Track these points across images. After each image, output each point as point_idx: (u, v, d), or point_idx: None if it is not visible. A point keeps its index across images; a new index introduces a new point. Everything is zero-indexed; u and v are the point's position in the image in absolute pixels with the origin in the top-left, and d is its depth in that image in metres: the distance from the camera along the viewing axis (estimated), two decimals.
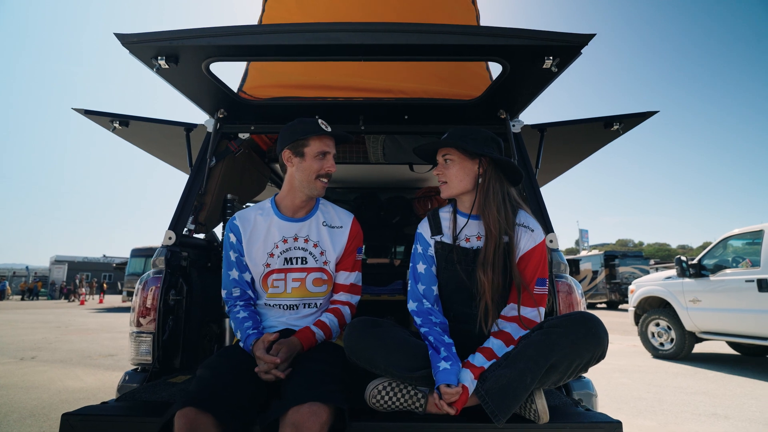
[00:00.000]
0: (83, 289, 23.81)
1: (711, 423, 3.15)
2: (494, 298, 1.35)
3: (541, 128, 2.26)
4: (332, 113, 2.14)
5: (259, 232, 1.53)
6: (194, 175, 2.05)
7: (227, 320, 1.98)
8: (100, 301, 22.33)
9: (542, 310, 1.37)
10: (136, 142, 2.68)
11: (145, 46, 1.50)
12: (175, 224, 1.89)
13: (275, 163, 2.89)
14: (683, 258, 5.72)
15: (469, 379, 1.22)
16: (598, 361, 1.25)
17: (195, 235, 2.12)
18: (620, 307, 17.47)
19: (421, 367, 1.25)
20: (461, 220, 1.46)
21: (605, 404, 3.58)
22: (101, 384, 4.18)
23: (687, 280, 5.57)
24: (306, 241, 1.54)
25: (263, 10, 2.33)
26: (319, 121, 1.49)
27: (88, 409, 1.29)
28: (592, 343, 1.21)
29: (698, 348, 6.09)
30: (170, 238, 1.83)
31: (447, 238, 1.47)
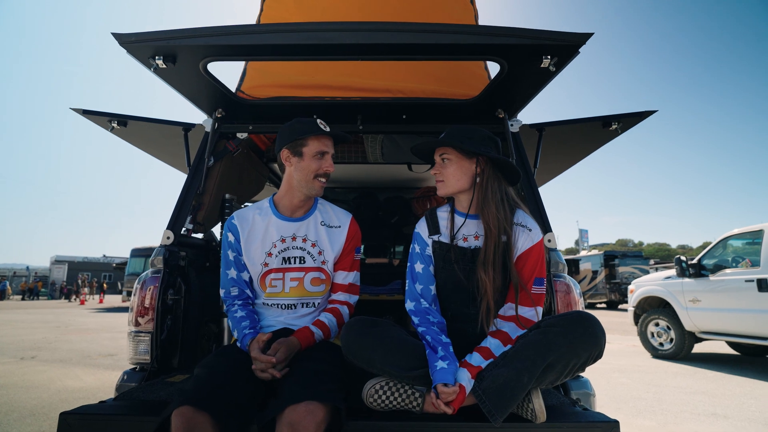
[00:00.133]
0: (85, 289, 23.83)
1: (710, 423, 3.15)
2: (495, 298, 1.35)
3: (540, 128, 2.26)
4: (330, 113, 2.14)
5: (258, 231, 1.54)
6: (192, 175, 2.05)
7: (226, 320, 1.99)
8: (100, 301, 22.34)
9: (540, 309, 1.37)
10: (134, 142, 2.68)
11: (143, 46, 1.50)
12: (174, 224, 1.89)
13: (274, 163, 2.90)
14: (683, 258, 5.71)
15: (466, 379, 1.22)
16: (595, 360, 1.25)
17: (193, 235, 2.12)
18: (620, 307, 17.46)
19: (419, 366, 1.25)
20: (459, 220, 1.46)
21: (604, 404, 3.58)
22: (101, 384, 4.18)
23: (687, 280, 5.57)
24: (304, 240, 1.54)
25: (261, 10, 2.33)
26: (318, 121, 1.49)
27: (85, 408, 1.29)
28: (590, 342, 1.21)
29: (698, 348, 6.09)
30: (168, 238, 1.83)
31: (444, 238, 1.47)
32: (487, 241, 1.37)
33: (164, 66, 1.57)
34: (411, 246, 1.53)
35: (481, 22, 2.37)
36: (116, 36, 1.47)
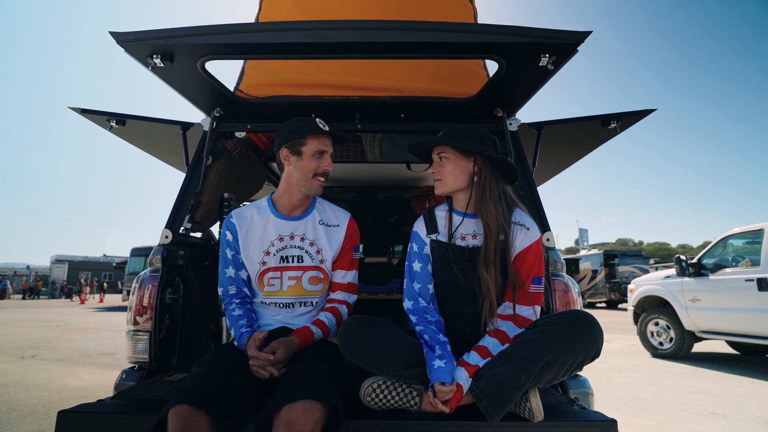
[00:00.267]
0: (87, 288, 23.85)
1: (710, 422, 3.15)
2: (496, 296, 1.35)
3: (538, 126, 2.25)
4: (329, 112, 2.14)
5: (256, 230, 1.54)
6: (191, 174, 2.05)
7: (224, 318, 1.99)
8: (101, 300, 22.37)
9: (538, 308, 1.37)
10: (132, 141, 2.67)
11: (140, 45, 1.50)
12: (172, 223, 1.89)
13: (273, 162, 2.89)
14: (683, 257, 5.71)
15: (463, 378, 1.22)
16: (592, 359, 1.25)
17: (192, 234, 2.12)
18: (620, 306, 17.46)
19: (416, 365, 1.25)
20: (457, 219, 1.46)
21: (604, 403, 3.58)
22: (101, 382, 4.19)
23: (686, 279, 5.57)
24: (302, 239, 1.54)
25: (260, 9, 2.33)
26: (317, 120, 1.49)
27: (83, 406, 1.29)
28: (587, 341, 1.21)
29: (697, 347, 6.09)
30: (167, 237, 1.83)
31: (443, 237, 1.47)
32: (487, 240, 1.37)
33: (162, 65, 1.57)
34: (409, 245, 1.53)
35: (480, 21, 2.37)
36: (114, 35, 1.47)
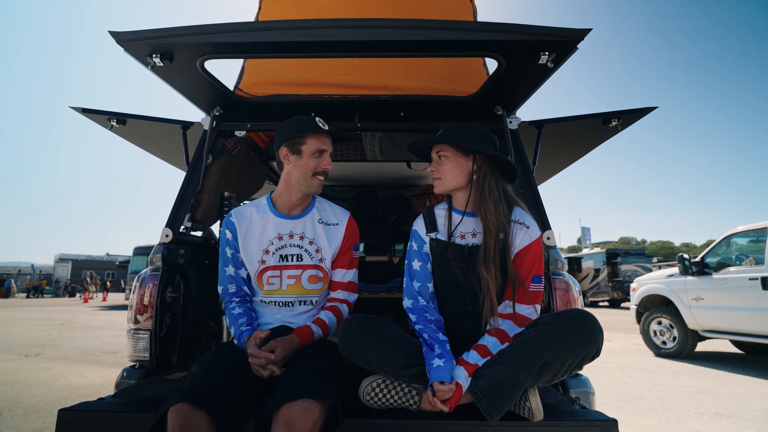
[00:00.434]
0: (92, 287, 23.98)
1: (713, 422, 3.13)
2: (497, 295, 1.34)
3: (539, 125, 2.24)
4: (328, 110, 2.13)
5: (255, 228, 1.54)
6: (191, 173, 2.05)
7: (224, 317, 1.99)
8: (104, 299, 22.48)
9: (538, 307, 1.37)
10: (133, 140, 2.68)
11: (140, 44, 1.50)
12: (172, 222, 1.90)
13: (273, 161, 2.89)
14: (686, 256, 5.68)
15: (462, 377, 1.22)
16: (592, 359, 1.24)
17: (192, 233, 2.12)
18: (622, 305, 17.40)
19: (415, 364, 1.25)
20: (456, 217, 1.46)
21: (606, 402, 3.57)
22: (104, 381, 4.21)
23: (690, 278, 5.54)
24: (301, 238, 1.54)
25: (260, 8, 2.33)
26: (317, 119, 1.49)
27: (84, 404, 1.30)
28: (587, 340, 1.20)
29: (701, 346, 6.06)
30: (167, 236, 1.84)
31: (442, 235, 1.46)
32: (486, 238, 1.36)
33: (161, 64, 1.57)
34: (409, 243, 1.53)
35: (480, 19, 2.36)
36: (113, 34, 1.47)
